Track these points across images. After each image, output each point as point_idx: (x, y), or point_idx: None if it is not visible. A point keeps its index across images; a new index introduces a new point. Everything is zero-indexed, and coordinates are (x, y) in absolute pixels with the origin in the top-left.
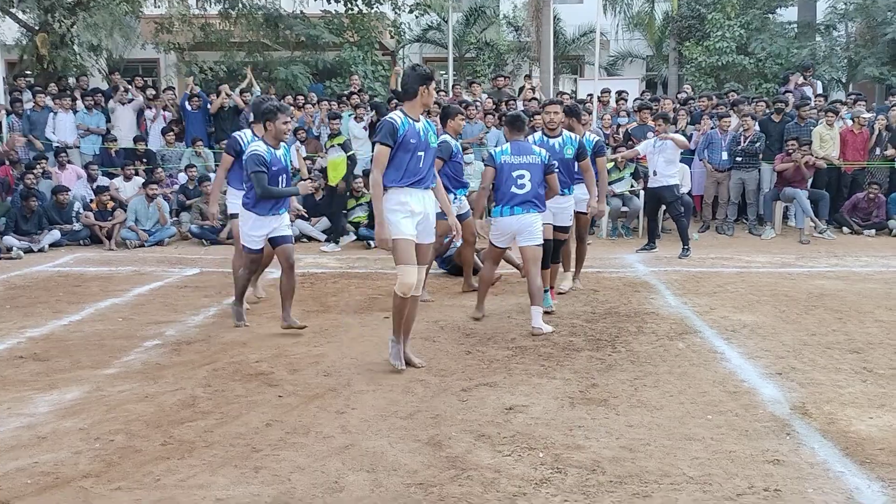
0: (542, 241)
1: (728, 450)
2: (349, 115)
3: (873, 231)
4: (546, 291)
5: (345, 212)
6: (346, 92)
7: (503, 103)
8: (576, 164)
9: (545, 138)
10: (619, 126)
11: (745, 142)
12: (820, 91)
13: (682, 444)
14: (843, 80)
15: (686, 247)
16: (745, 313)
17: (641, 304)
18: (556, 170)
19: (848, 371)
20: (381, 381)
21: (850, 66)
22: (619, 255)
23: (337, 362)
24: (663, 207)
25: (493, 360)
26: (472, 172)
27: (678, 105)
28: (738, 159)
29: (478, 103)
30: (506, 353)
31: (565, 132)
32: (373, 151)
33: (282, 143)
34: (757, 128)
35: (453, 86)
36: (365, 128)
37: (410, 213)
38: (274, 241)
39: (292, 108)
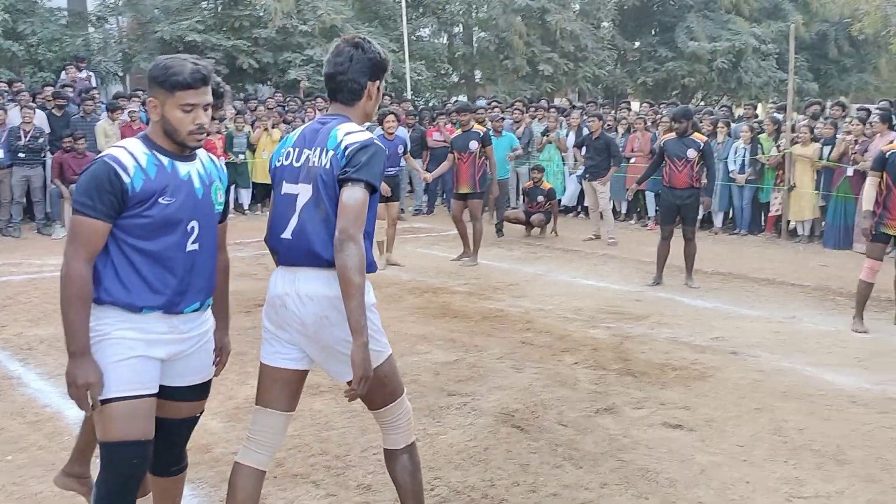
0: None
1: (35, 492)
2: None
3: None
4: None
5: None
6: None
7: None
8: None
9: None
10: None
11: (26, 137)
12: (94, 84)
13: None
14: (121, 73)
15: None
16: (42, 326)
17: None
18: None
19: None
20: None
21: (125, 59)
22: None
23: None
24: None
25: None
26: None
27: None
28: (21, 155)
29: None
30: None
31: None
32: None
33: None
34: (39, 123)
35: None
36: None
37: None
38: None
39: None
